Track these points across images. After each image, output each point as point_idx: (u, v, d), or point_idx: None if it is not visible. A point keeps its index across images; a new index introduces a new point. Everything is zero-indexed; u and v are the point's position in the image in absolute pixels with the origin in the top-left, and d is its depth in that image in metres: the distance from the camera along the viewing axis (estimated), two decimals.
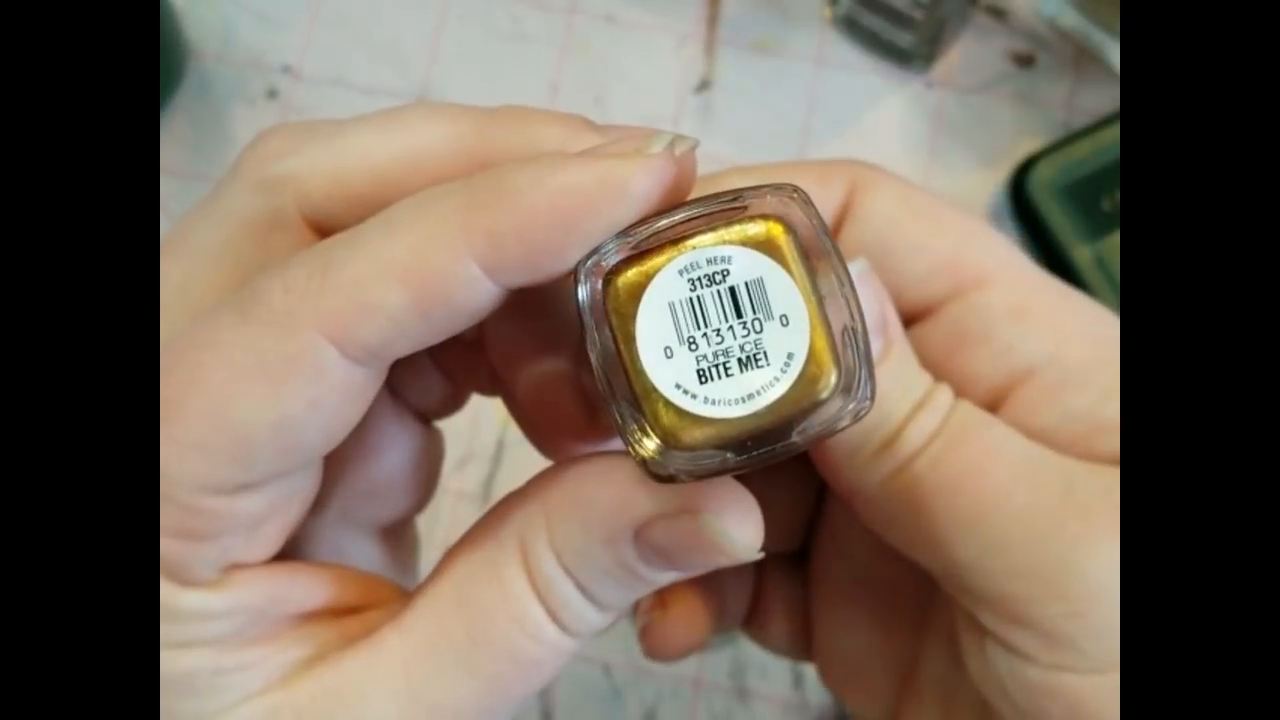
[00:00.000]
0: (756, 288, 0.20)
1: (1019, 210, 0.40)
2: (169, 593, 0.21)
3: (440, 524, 0.38)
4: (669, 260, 0.20)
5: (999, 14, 0.43)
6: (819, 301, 0.20)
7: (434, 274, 0.19)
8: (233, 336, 0.20)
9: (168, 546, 0.21)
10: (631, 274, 0.20)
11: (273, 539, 0.22)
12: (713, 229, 0.21)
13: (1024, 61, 0.42)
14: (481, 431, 0.39)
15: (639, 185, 0.20)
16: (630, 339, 0.20)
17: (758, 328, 0.20)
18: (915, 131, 0.42)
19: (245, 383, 0.20)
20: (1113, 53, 0.42)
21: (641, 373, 0.19)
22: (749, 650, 0.37)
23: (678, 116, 0.42)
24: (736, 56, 0.42)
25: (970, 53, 0.42)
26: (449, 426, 0.39)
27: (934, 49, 0.41)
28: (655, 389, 0.19)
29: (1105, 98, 0.42)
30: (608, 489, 0.21)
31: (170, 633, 0.22)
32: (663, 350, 0.20)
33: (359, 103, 0.42)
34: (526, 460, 0.40)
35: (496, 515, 0.22)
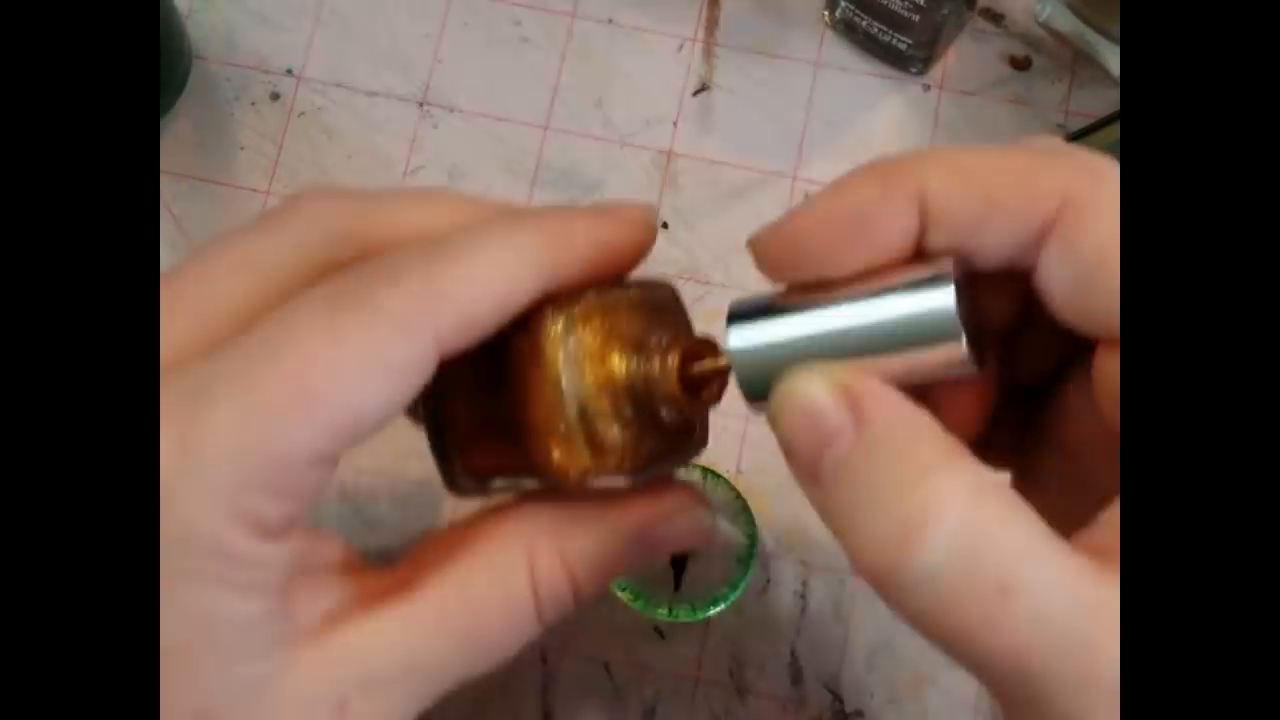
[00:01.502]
0: None
1: None
2: (249, 543, 0.23)
3: (441, 523, 0.38)
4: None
5: (995, 17, 0.43)
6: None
7: (515, 300, 0.24)
8: (358, 334, 0.23)
9: (259, 502, 0.23)
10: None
11: (307, 513, 0.24)
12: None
13: (1020, 65, 0.43)
14: None
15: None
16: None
17: None
18: (913, 134, 0.42)
19: (373, 377, 0.23)
20: (1108, 56, 0.42)
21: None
22: (749, 648, 0.37)
23: (677, 119, 0.42)
24: (735, 59, 0.43)
25: (967, 56, 0.43)
26: None
27: (931, 52, 0.41)
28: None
29: (1101, 100, 0.42)
30: (605, 502, 0.26)
31: (239, 577, 0.23)
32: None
33: (361, 105, 0.42)
34: None
35: (498, 525, 0.25)
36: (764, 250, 0.25)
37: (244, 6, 0.43)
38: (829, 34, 0.43)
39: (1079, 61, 0.43)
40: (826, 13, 0.43)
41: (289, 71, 0.42)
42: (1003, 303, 0.25)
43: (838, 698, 0.37)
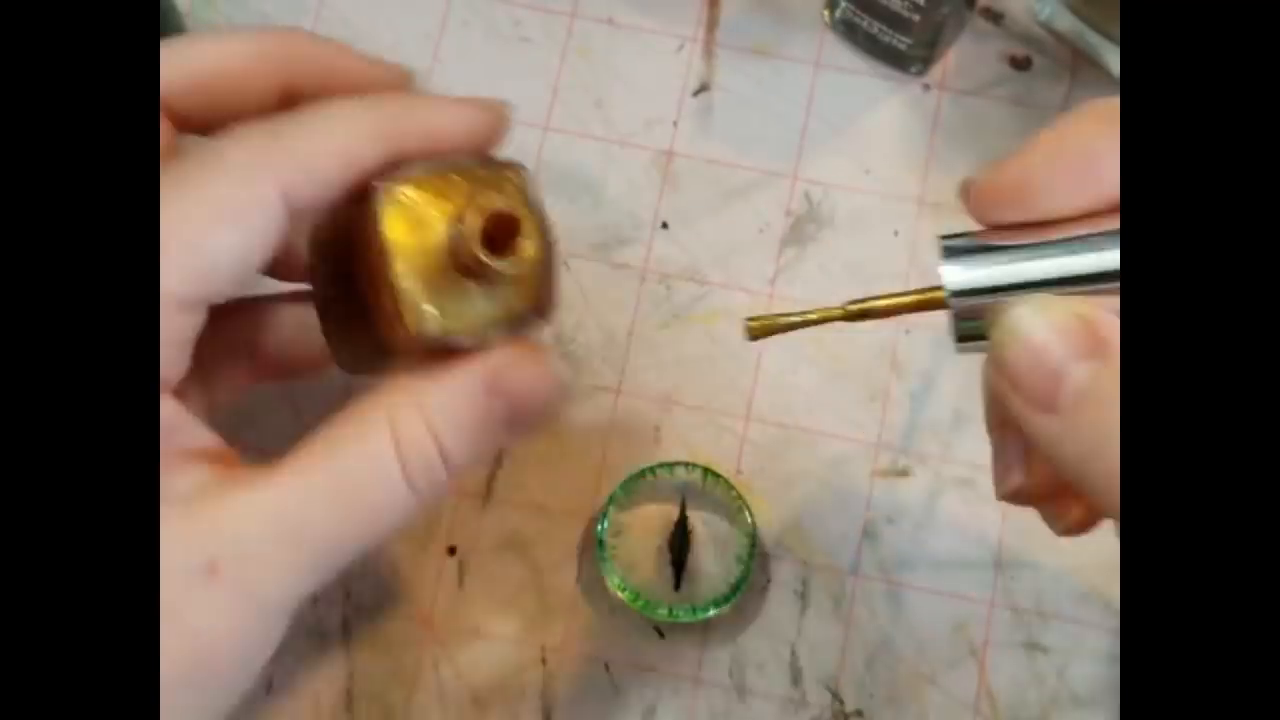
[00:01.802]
0: None
1: None
2: None
3: (442, 523, 0.38)
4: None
5: (995, 17, 0.43)
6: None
7: (356, 160, 0.27)
8: (206, 180, 0.26)
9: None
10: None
11: (179, 366, 0.27)
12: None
13: (1020, 65, 0.43)
14: None
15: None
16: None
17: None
18: (913, 133, 0.42)
19: (218, 219, 0.26)
20: (1109, 56, 0.42)
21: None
22: (748, 648, 0.37)
23: (677, 118, 0.42)
24: (735, 59, 0.43)
25: (967, 56, 0.43)
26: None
27: (931, 52, 0.41)
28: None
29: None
30: (459, 363, 0.27)
31: None
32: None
33: None
34: (527, 459, 0.40)
35: (356, 408, 0.27)
36: (984, 188, 0.25)
37: (245, 6, 0.43)
38: (829, 34, 0.43)
39: (1079, 62, 0.43)
40: (826, 13, 0.43)
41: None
42: None
43: (838, 697, 0.37)
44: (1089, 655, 0.37)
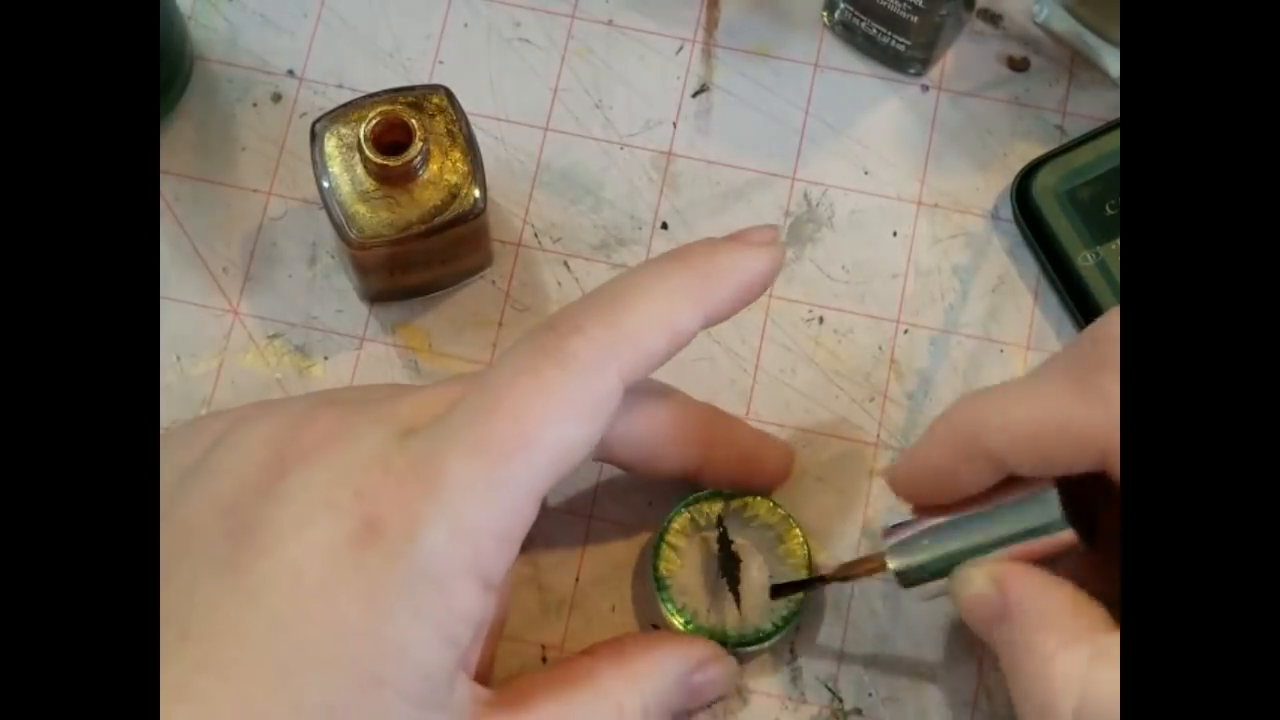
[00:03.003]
0: None
1: (1023, 215, 0.40)
2: (471, 592, 0.27)
3: None
4: None
5: (993, 19, 0.43)
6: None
7: (684, 331, 0.30)
8: (560, 381, 0.27)
9: (491, 551, 0.27)
10: None
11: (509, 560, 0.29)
12: None
13: (1018, 66, 0.43)
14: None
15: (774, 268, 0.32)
16: None
17: None
18: (912, 134, 0.42)
19: (576, 416, 0.28)
20: (1107, 58, 0.42)
21: None
22: (750, 647, 0.38)
23: (677, 119, 0.42)
24: (735, 60, 0.43)
25: (965, 57, 0.43)
26: None
27: (930, 53, 0.42)
28: None
29: (1100, 102, 0.42)
30: (668, 650, 0.34)
31: (452, 625, 0.27)
32: None
33: None
34: None
35: (596, 671, 0.32)
36: (891, 485, 0.32)
37: (246, 7, 0.43)
38: (828, 35, 0.43)
39: (1077, 63, 0.43)
40: (825, 14, 0.43)
41: (290, 72, 0.42)
42: (1099, 481, 0.29)
43: (837, 696, 0.37)
44: None
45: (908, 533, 0.32)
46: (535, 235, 0.41)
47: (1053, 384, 0.29)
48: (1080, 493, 0.30)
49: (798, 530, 0.37)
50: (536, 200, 0.42)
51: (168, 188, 0.41)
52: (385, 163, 0.34)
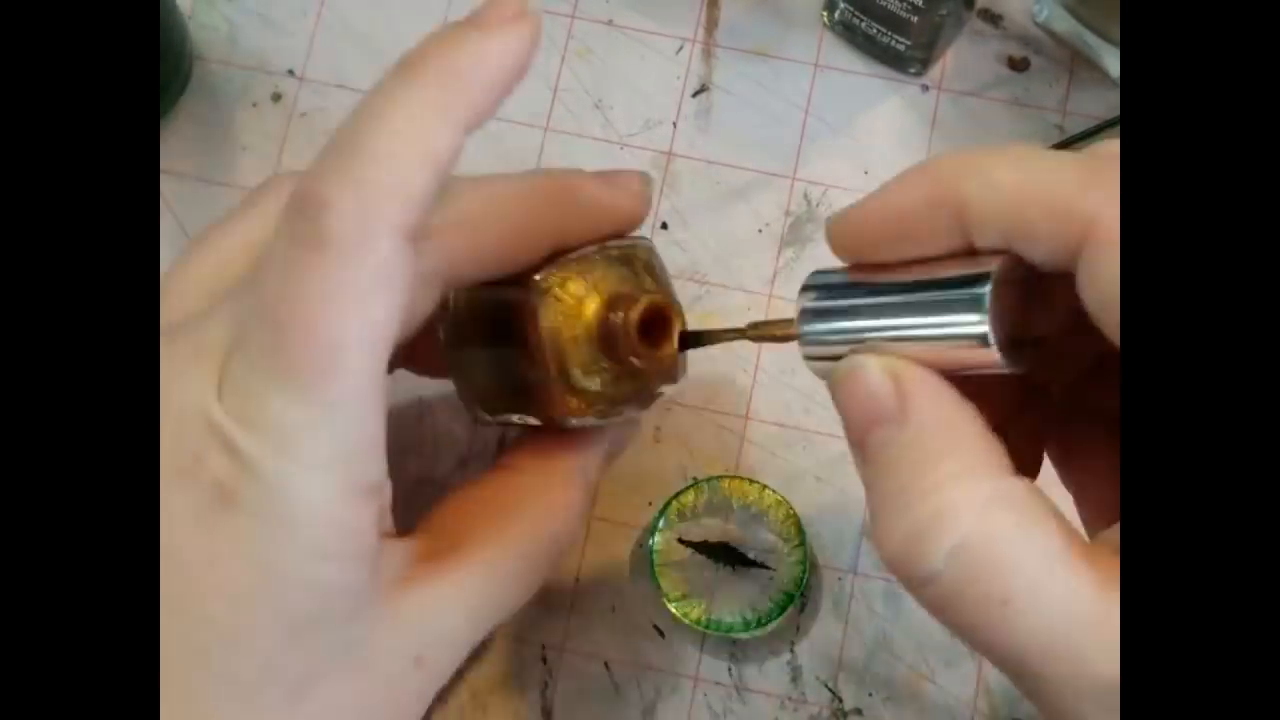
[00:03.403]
0: None
1: None
2: (356, 512, 0.26)
3: None
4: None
5: (993, 19, 0.43)
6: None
7: (446, 155, 0.26)
8: (326, 274, 0.24)
9: (364, 467, 0.26)
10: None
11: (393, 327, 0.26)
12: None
13: (1018, 66, 0.43)
14: (483, 431, 0.39)
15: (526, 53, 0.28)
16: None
17: None
18: (911, 134, 0.42)
19: (364, 304, 0.24)
20: (1106, 57, 0.42)
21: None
22: (748, 647, 0.38)
23: (677, 119, 0.42)
24: (735, 60, 0.43)
25: (965, 57, 0.43)
26: (450, 429, 0.40)
27: (930, 53, 0.42)
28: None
29: (1100, 102, 0.42)
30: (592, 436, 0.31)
31: (349, 548, 0.26)
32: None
33: None
34: None
35: (517, 488, 0.30)
36: (832, 234, 0.27)
37: (246, 7, 0.43)
38: (828, 35, 0.43)
39: (1077, 63, 0.43)
40: (825, 14, 0.43)
41: (290, 72, 0.42)
42: (1058, 302, 0.25)
43: (837, 696, 0.37)
44: None
45: (826, 295, 0.27)
46: None
47: (1052, 156, 0.25)
48: (1021, 321, 0.25)
49: (769, 491, 0.37)
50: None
51: (167, 187, 0.41)
52: (654, 354, 0.29)
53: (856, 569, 0.38)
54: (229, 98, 0.42)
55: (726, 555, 0.37)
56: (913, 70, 0.43)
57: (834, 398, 0.27)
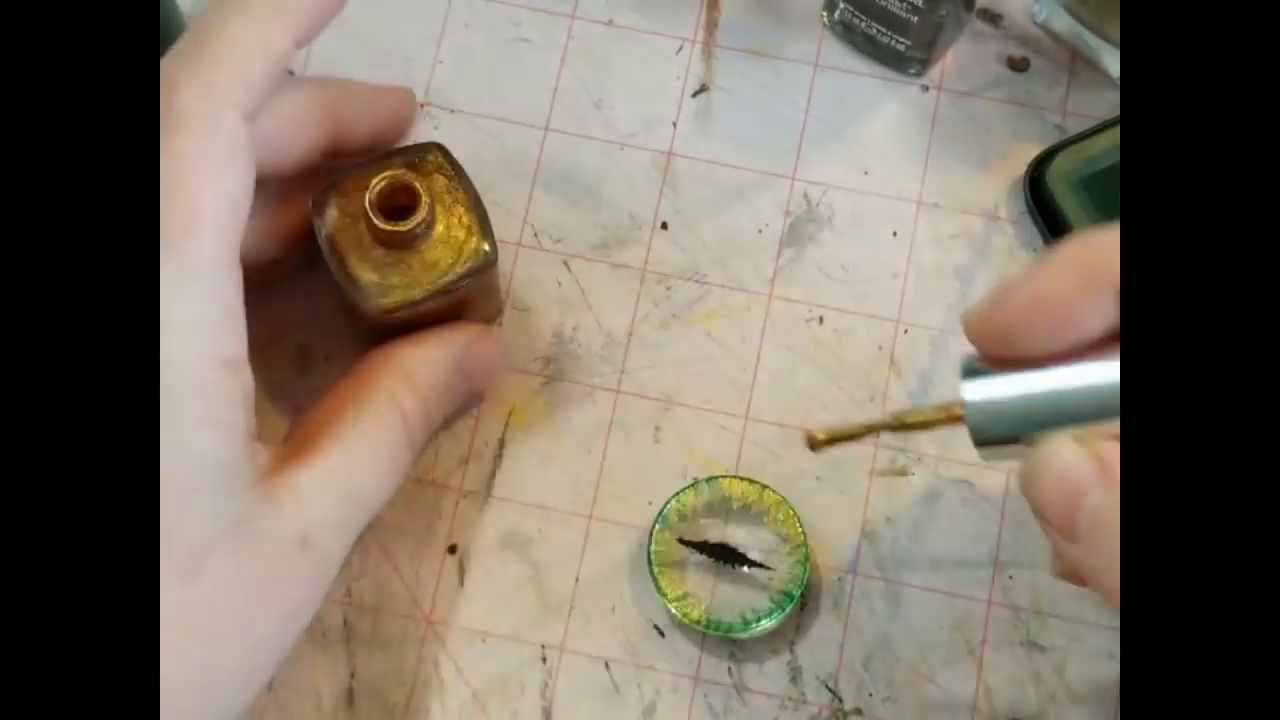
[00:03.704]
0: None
1: (1036, 202, 0.41)
2: (219, 379, 0.28)
3: (442, 522, 0.39)
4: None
5: (993, 19, 0.43)
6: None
7: (280, 55, 0.31)
8: (181, 146, 0.28)
9: (220, 336, 0.29)
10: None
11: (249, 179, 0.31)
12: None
13: (1018, 66, 0.43)
14: (483, 430, 0.39)
15: None
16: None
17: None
18: (911, 134, 0.42)
19: (219, 172, 0.29)
20: (1106, 58, 0.42)
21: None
22: (747, 647, 0.38)
23: (677, 119, 0.42)
24: (735, 60, 0.43)
25: (965, 57, 0.43)
26: (451, 428, 0.40)
27: (929, 53, 0.42)
28: None
29: (1100, 102, 0.42)
30: (433, 343, 0.35)
31: (220, 415, 0.28)
32: None
33: None
34: (528, 458, 0.40)
35: (362, 389, 0.33)
36: (978, 335, 0.28)
37: None
38: (827, 35, 0.43)
39: (1077, 63, 0.43)
40: (825, 14, 0.43)
41: (290, 73, 0.42)
42: None
43: (837, 696, 0.37)
44: (1087, 654, 0.38)
45: (991, 380, 0.27)
46: (535, 235, 0.41)
47: None
48: None
49: (770, 491, 0.37)
50: (536, 200, 0.42)
51: None
52: (394, 228, 0.34)
53: (856, 569, 0.38)
54: None
55: (726, 555, 0.37)
56: (913, 70, 0.43)
57: (1027, 492, 0.26)
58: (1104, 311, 0.25)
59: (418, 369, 0.34)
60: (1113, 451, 0.25)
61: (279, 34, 0.30)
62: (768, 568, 0.37)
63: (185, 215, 0.27)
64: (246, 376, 0.29)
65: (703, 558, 0.38)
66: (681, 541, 0.37)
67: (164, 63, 0.29)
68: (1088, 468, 0.25)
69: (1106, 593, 0.25)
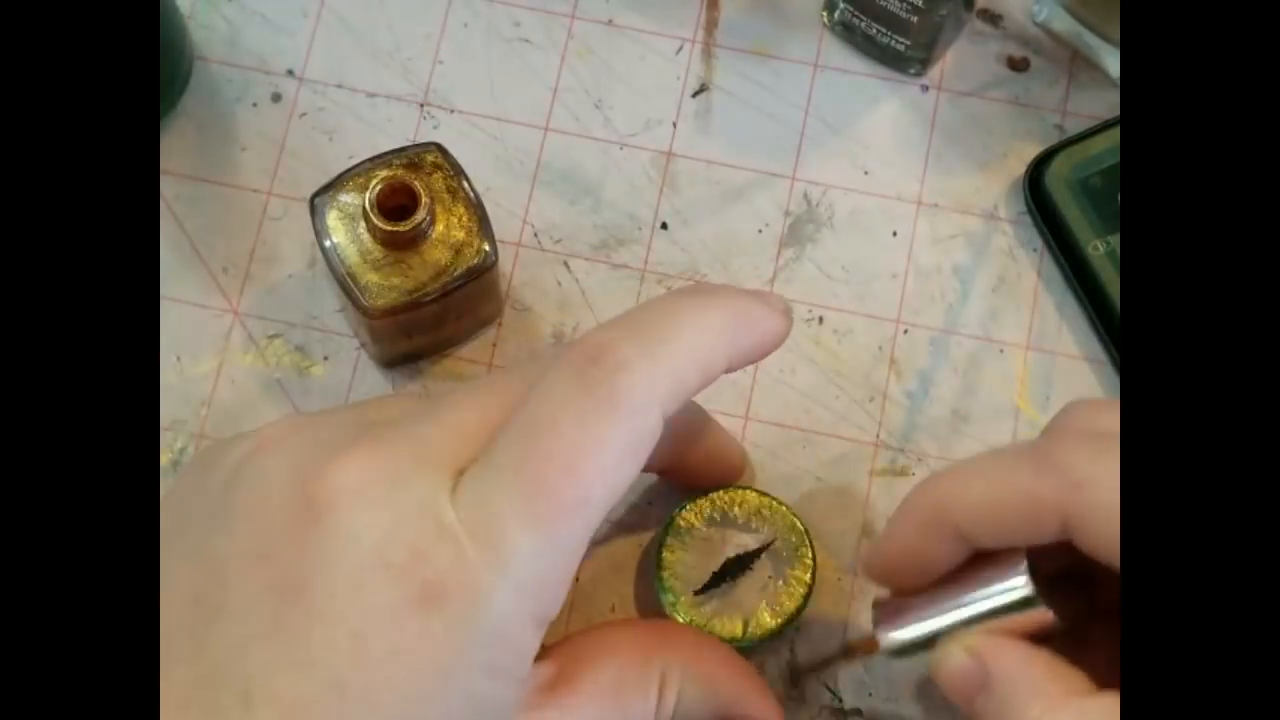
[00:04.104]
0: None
1: (1035, 203, 0.41)
2: (534, 639, 0.28)
3: None
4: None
5: (993, 19, 0.43)
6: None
7: (715, 372, 0.29)
8: (608, 423, 0.27)
9: (552, 601, 0.28)
10: None
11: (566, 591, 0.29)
12: None
13: (1018, 66, 0.43)
14: None
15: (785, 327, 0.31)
16: None
17: None
18: (911, 134, 0.42)
19: (626, 460, 0.27)
20: (1106, 58, 0.42)
21: None
22: (748, 647, 0.38)
23: (676, 119, 0.42)
24: (735, 60, 0.43)
25: (965, 57, 0.43)
26: None
27: (929, 53, 0.42)
28: None
29: (1099, 102, 0.42)
30: (724, 674, 0.33)
31: (519, 669, 0.28)
32: None
33: (362, 106, 0.42)
34: None
35: (637, 647, 0.32)
36: (870, 578, 0.33)
37: (246, 7, 0.43)
38: (827, 35, 0.43)
39: (1077, 63, 0.43)
40: (825, 14, 0.43)
41: (290, 72, 0.42)
42: (1061, 554, 0.30)
43: (837, 696, 0.37)
44: None
45: (894, 612, 0.33)
46: (535, 235, 0.41)
47: (1009, 460, 0.29)
48: (1062, 561, 0.30)
49: (769, 498, 0.37)
50: (536, 200, 0.42)
51: (167, 187, 0.41)
52: (394, 228, 0.34)
53: (856, 569, 0.38)
54: (229, 98, 0.42)
55: (734, 568, 0.37)
56: (913, 70, 0.43)
57: (935, 680, 0.31)
58: (950, 550, 0.30)
59: (689, 664, 0.32)
60: (990, 653, 0.29)
61: (724, 357, 0.29)
62: (770, 576, 0.37)
63: (574, 496, 0.26)
64: (543, 633, 0.28)
65: (713, 566, 0.37)
66: (697, 593, 0.37)
67: (617, 328, 0.28)
68: (973, 670, 0.29)
69: None
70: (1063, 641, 0.30)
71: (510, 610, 0.26)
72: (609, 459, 0.27)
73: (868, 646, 0.33)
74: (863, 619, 0.38)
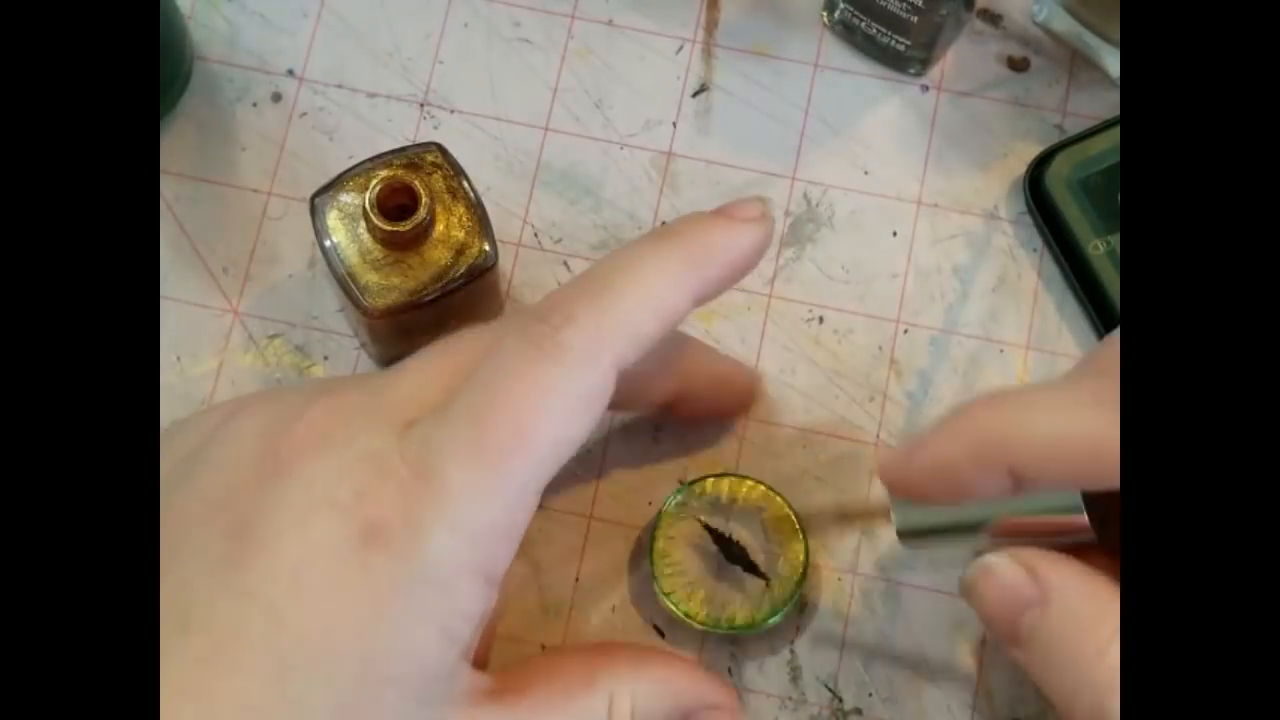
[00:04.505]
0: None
1: (1035, 202, 0.41)
2: (476, 591, 0.27)
3: None
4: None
5: (993, 19, 0.43)
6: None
7: (676, 314, 0.29)
8: (552, 373, 0.27)
9: (497, 551, 0.27)
10: None
11: (508, 559, 0.28)
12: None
13: (1018, 66, 0.43)
14: None
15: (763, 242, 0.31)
16: None
17: None
18: (911, 134, 0.42)
19: (573, 410, 0.27)
20: (1106, 58, 0.42)
21: None
22: (747, 646, 0.38)
23: (677, 119, 0.42)
24: (735, 60, 0.43)
25: (965, 57, 0.43)
26: None
27: (929, 53, 0.42)
28: None
29: (1099, 102, 0.42)
30: (675, 675, 0.32)
31: (455, 624, 0.27)
32: None
33: (362, 106, 0.42)
34: None
35: (589, 665, 0.31)
36: (890, 485, 0.31)
37: (246, 7, 0.43)
38: (827, 35, 0.43)
39: (1077, 63, 0.43)
40: (825, 14, 0.43)
41: (290, 72, 0.42)
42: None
43: (836, 696, 0.37)
44: None
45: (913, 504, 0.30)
46: (535, 235, 0.41)
47: (1083, 398, 0.27)
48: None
49: (769, 491, 0.37)
50: (536, 200, 0.42)
51: (167, 187, 0.41)
52: (395, 229, 0.34)
53: (856, 569, 0.38)
54: (229, 98, 0.42)
55: (733, 552, 0.37)
56: (913, 70, 0.43)
57: (969, 598, 0.29)
58: (996, 483, 0.28)
59: (639, 680, 0.32)
60: (1048, 567, 0.27)
61: (684, 296, 0.29)
62: (764, 576, 0.37)
63: (515, 439, 0.26)
64: (491, 602, 0.28)
65: (701, 559, 0.37)
66: (702, 523, 0.37)
67: (569, 287, 0.29)
68: (1026, 584, 0.28)
69: (1046, 693, 0.27)
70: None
71: (449, 550, 0.26)
72: (555, 407, 0.27)
73: (875, 517, 0.31)
74: (863, 620, 0.38)
